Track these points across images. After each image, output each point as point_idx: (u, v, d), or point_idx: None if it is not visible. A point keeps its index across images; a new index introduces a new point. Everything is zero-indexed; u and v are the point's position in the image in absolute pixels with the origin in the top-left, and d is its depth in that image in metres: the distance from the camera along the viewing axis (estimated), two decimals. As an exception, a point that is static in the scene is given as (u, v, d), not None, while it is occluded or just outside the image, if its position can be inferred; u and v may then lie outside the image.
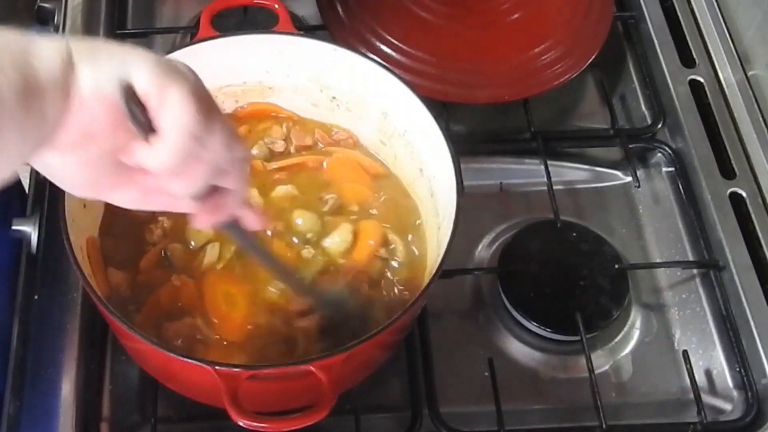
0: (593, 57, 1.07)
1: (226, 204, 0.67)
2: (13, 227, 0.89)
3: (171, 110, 0.59)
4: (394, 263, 0.88)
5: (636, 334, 0.94)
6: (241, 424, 0.69)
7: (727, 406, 0.90)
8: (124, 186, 0.64)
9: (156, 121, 0.59)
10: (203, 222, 0.68)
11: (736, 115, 1.06)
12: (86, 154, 0.60)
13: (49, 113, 0.56)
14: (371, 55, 0.94)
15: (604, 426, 0.85)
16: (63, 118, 0.57)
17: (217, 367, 0.71)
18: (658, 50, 1.11)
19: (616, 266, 0.95)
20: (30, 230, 0.89)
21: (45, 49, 0.56)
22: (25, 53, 0.55)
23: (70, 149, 0.59)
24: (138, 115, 0.58)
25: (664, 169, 1.06)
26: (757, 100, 1.07)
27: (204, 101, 0.60)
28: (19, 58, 0.55)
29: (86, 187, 0.63)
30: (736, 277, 0.93)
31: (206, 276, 0.85)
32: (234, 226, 0.71)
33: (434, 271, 0.77)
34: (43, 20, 1.10)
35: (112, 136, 0.59)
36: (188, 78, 0.60)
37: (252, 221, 0.71)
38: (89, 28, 1.08)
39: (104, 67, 0.58)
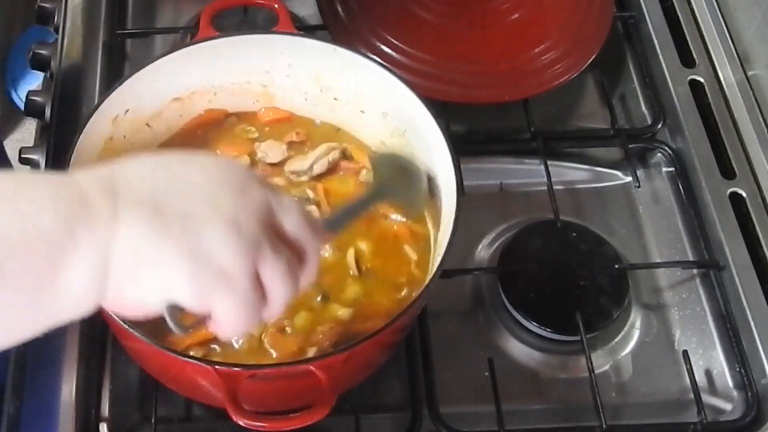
0: (593, 57, 1.07)
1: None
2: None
3: (221, 319, 0.59)
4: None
5: (636, 334, 0.94)
6: (241, 423, 0.69)
7: (727, 406, 0.90)
8: None
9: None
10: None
11: (736, 115, 1.06)
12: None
13: (64, 314, 0.57)
14: (371, 55, 0.94)
15: (604, 426, 0.85)
16: (90, 311, 0.58)
17: (217, 367, 0.71)
18: (658, 50, 1.11)
19: (616, 266, 0.95)
20: (30, 230, 0.89)
21: (78, 271, 0.54)
22: (56, 259, 0.53)
23: None
24: (186, 325, 0.60)
25: (664, 169, 1.06)
26: (757, 100, 1.07)
27: (250, 295, 0.59)
28: (46, 263, 0.53)
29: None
30: (736, 277, 0.93)
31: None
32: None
33: (434, 271, 0.77)
34: (43, 20, 1.10)
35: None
36: (232, 282, 0.58)
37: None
38: (89, 28, 1.08)
39: (147, 289, 0.57)
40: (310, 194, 0.90)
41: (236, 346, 0.81)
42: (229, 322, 0.59)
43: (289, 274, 0.61)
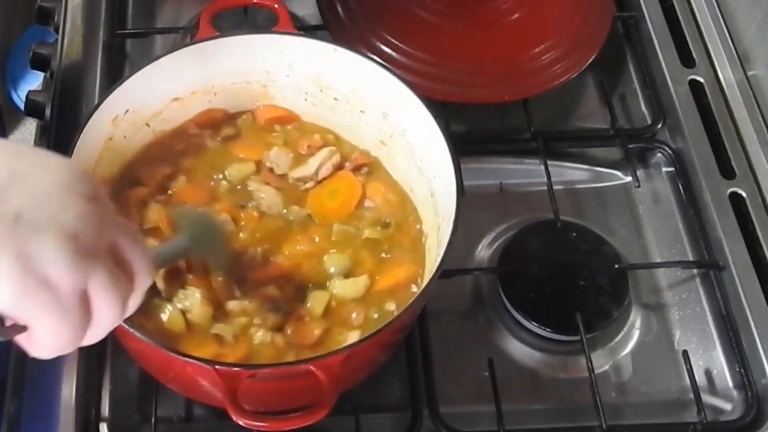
0: (593, 57, 1.07)
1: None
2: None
3: (41, 336, 0.56)
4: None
5: (636, 334, 0.94)
6: (241, 423, 0.69)
7: (727, 406, 0.90)
8: None
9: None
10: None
11: (736, 115, 1.06)
12: None
13: None
14: (371, 55, 0.94)
15: (604, 426, 0.85)
16: None
17: (217, 367, 0.71)
18: (658, 50, 1.11)
19: (616, 266, 0.95)
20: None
21: None
22: None
23: None
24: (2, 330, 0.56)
25: (664, 169, 1.06)
26: (757, 100, 1.07)
27: (75, 314, 0.55)
28: None
29: None
30: (736, 277, 0.93)
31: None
32: None
33: (434, 271, 0.77)
34: (43, 20, 1.10)
35: None
36: (57, 298, 0.54)
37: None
38: (89, 28, 1.08)
39: None
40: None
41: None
42: (47, 339, 0.56)
43: (120, 300, 0.58)
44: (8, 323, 0.56)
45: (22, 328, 0.56)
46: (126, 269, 0.59)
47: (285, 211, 0.89)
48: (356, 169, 0.93)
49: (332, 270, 0.85)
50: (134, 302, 0.62)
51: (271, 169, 0.92)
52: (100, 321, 0.58)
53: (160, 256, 0.76)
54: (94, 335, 0.59)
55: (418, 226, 0.90)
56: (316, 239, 0.87)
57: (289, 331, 0.81)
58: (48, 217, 0.54)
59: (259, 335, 0.80)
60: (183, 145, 0.93)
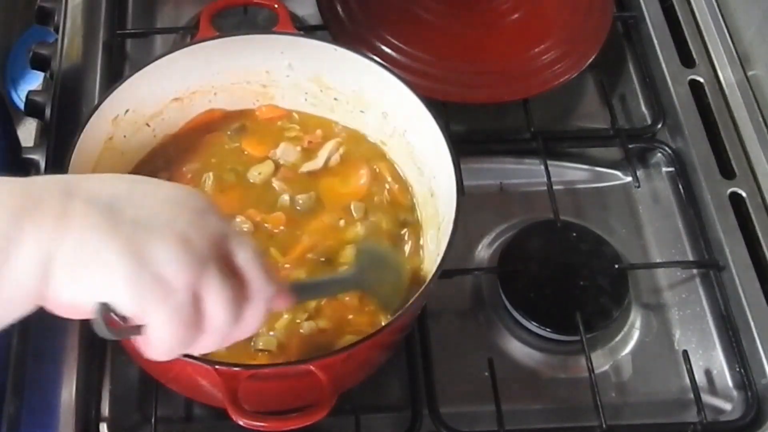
0: (593, 57, 1.07)
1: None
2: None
3: (153, 332, 0.58)
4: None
5: (636, 334, 0.94)
6: (241, 423, 0.69)
7: (727, 406, 0.90)
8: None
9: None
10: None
11: (736, 115, 1.06)
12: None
13: (13, 311, 0.57)
14: (371, 55, 0.94)
15: (604, 426, 0.85)
16: (33, 307, 0.57)
17: (217, 367, 0.71)
18: (658, 50, 1.11)
19: (616, 266, 0.95)
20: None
21: (23, 260, 0.54)
22: (2, 251, 0.54)
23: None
24: (116, 330, 0.58)
25: (664, 169, 1.06)
26: (757, 100, 1.07)
27: (187, 311, 0.57)
28: None
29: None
30: (736, 277, 0.93)
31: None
32: None
33: (434, 271, 0.77)
34: (43, 20, 1.10)
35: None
36: (171, 294, 0.57)
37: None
38: (89, 28, 1.08)
39: (85, 285, 0.56)
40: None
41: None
42: (161, 336, 0.58)
43: (232, 304, 0.59)
44: (125, 323, 0.58)
45: (138, 329, 0.58)
46: (242, 279, 0.61)
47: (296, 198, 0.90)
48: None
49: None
50: (252, 313, 0.62)
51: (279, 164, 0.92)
52: (212, 324, 0.59)
53: (298, 286, 0.76)
54: (208, 341, 0.60)
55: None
56: (341, 222, 0.88)
57: (328, 312, 0.82)
58: (162, 224, 0.57)
59: (307, 325, 0.81)
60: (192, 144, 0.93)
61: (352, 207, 0.89)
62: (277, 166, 0.92)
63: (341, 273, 0.84)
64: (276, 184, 0.91)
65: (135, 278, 0.55)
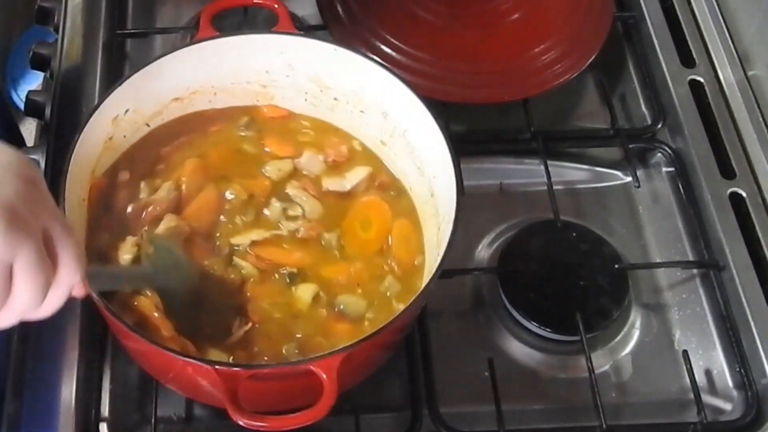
0: (593, 57, 1.07)
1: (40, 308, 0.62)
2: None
3: None
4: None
5: (636, 334, 0.94)
6: (241, 423, 0.69)
7: (727, 406, 0.90)
8: None
9: None
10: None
11: (736, 115, 1.06)
12: None
13: None
14: (371, 55, 0.94)
15: (604, 426, 0.85)
16: None
17: (217, 367, 0.71)
18: (658, 50, 1.11)
19: (616, 266, 0.95)
20: (30, 230, 0.89)
21: None
22: None
23: None
24: None
25: (664, 169, 1.06)
26: (757, 100, 1.07)
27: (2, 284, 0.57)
28: None
29: None
30: (736, 277, 0.93)
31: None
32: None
33: (434, 271, 0.77)
34: (43, 20, 1.10)
35: None
36: None
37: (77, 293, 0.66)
38: (89, 28, 1.08)
39: None
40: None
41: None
42: None
43: (41, 287, 0.58)
44: None
45: None
46: (53, 258, 0.60)
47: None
48: (382, 189, 0.92)
49: (341, 307, 0.85)
50: (53, 298, 0.61)
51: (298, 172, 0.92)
52: (15, 302, 0.58)
53: (105, 273, 0.77)
54: (4, 318, 0.59)
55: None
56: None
57: None
58: None
59: None
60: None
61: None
62: (297, 173, 0.92)
63: (139, 267, 0.82)
64: (292, 191, 0.90)
65: None
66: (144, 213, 0.86)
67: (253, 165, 0.92)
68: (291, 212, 0.89)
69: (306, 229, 0.88)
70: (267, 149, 0.93)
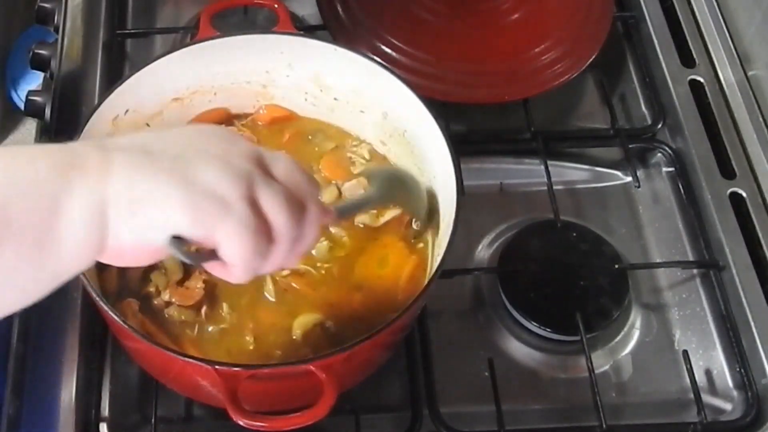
0: (593, 57, 1.07)
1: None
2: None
3: (226, 249, 0.59)
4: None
5: (636, 334, 0.94)
6: (241, 423, 0.69)
7: (727, 406, 0.90)
8: None
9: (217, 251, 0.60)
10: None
11: (736, 115, 1.06)
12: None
13: (70, 263, 0.57)
14: (371, 55, 0.94)
15: (604, 426, 0.85)
16: (94, 258, 0.58)
17: (217, 367, 0.71)
18: (658, 50, 1.11)
19: (616, 266, 0.95)
20: (30, 230, 0.89)
21: (77, 211, 0.55)
22: (53, 203, 0.54)
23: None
24: (192, 254, 0.59)
25: (664, 169, 1.06)
26: (757, 100, 1.07)
27: (251, 219, 0.59)
28: (45, 209, 0.54)
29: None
30: (736, 277, 0.93)
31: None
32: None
33: (434, 271, 0.77)
34: (43, 20, 1.10)
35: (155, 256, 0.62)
36: (230, 207, 0.58)
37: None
38: (89, 28, 1.08)
39: (144, 222, 0.57)
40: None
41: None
42: (234, 251, 0.59)
43: (289, 204, 0.60)
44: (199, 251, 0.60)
45: (212, 254, 0.59)
46: (287, 187, 0.62)
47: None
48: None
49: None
50: (310, 215, 0.63)
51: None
52: (277, 228, 0.60)
53: (344, 207, 0.81)
54: (280, 251, 0.61)
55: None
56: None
57: None
58: (198, 152, 0.59)
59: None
60: None
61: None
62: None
63: (364, 194, 0.86)
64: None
65: (191, 203, 0.57)
66: None
67: None
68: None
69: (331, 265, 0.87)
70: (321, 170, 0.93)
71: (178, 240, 0.58)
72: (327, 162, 0.93)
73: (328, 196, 0.90)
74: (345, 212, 0.80)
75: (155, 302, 0.83)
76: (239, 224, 0.58)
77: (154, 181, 0.57)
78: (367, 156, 0.94)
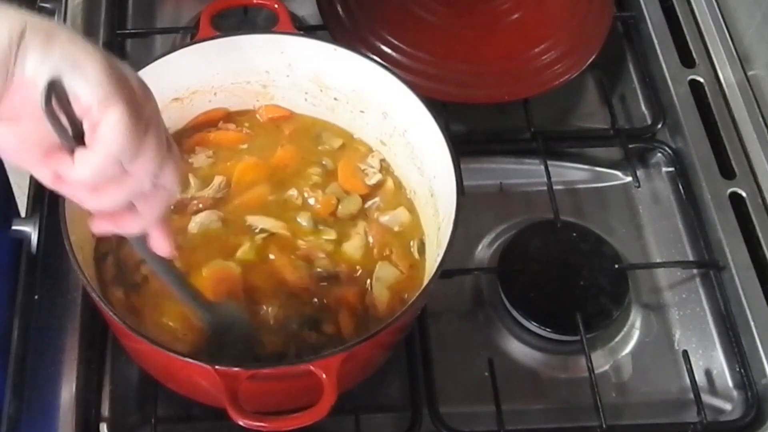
0: (593, 57, 1.07)
1: (135, 220, 0.65)
2: (13, 227, 0.89)
3: (104, 131, 0.57)
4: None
5: (636, 334, 0.94)
6: (241, 423, 0.69)
7: (727, 406, 0.90)
8: (43, 167, 0.61)
9: (87, 136, 0.58)
10: (102, 228, 0.65)
11: (736, 115, 1.06)
12: (18, 129, 0.59)
13: None
14: (371, 55, 0.95)
15: (604, 426, 0.85)
16: (3, 93, 0.56)
17: (217, 367, 0.71)
18: (658, 50, 1.11)
19: (616, 266, 0.95)
20: (30, 230, 0.89)
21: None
22: None
23: (6, 120, 0.58)
24: (63, 123, 0.57)
25: (664, 169, 1.06)
26: (757, 100, 1.07)
27: (141, 124, 0.58)
28: None
29: (11, 155, 0.61)
30: (736, 277, 0.93)
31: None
32: (140, 240, 0.68)
33: (434, 270, 0.77)
34: (43, 20, 1.10)
35: (37, 128, 0.58)
36: (133, 95, 0.58)
37: (158, 244, 0.68)
38: (89, 28, 1.08)
39: (52, 60, 0.55)
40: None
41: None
42: (112, 135, 0.57)
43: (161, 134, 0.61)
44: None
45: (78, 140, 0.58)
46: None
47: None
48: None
49: None
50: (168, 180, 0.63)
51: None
52: (151, 130, 0.60)
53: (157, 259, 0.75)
54: (146, 160, 0.60)
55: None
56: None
57: None
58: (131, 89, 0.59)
59: None
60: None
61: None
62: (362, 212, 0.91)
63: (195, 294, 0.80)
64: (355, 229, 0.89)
65: (110, 70, 0.57)
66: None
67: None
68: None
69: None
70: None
71: (59, 85, 0.55)
72: (343, 175, 0.93)
73: (353, 206, 0.90)
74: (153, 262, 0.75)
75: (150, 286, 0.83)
76: (130, 116, 0.57)
77: (86, 44, 0.57)
78: (377, 166, 0.94)
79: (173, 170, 0.63)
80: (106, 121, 0.57)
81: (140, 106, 0.59)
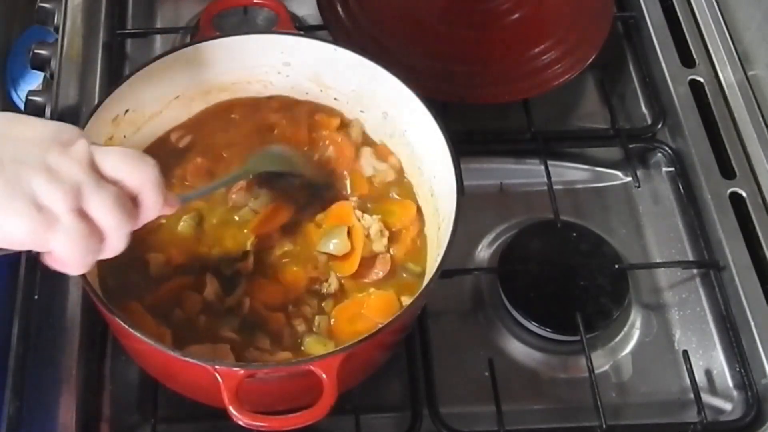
0: (593, 57, 1.07)
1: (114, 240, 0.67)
2: (13, 227, 0.89)
3: (58, 255, 0.64)
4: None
5: (636, 334, 0.94)
6: (241, 423, 0.69)
7: (727, 406, 0.90)
8: None
9: None
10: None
11: (736, 115, 1.06)
12: None
13: None
14: (371, 55, 0.94)
15: (604, 426, 0.85)
16: None
17: (217, 367, 0.71)
18: (658, 50, 1.11)
19: (616, 266, 0.95)
20: (30, 230, 0.89)
21: None
22: None
23: None
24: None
25: (664, 169, 1.06)
26: (757, 100, 1.07)
27: (79, 229, 0.63)
28: None
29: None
30: (736, 277, 0.93)
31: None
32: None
33: (434, 270, 0.77)
34: (43, 20, 1.10)
35: None
36: (59, 221, 0.62)
37: (166, 209, 0.71)
38: (89, 28, 1.08)
39: None
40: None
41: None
42: (66, 255, 0.64)
43: (117, 206, 0.64)
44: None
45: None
46: (118, 181, 0.66)
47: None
48: None
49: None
50: (149, 203, 0.67)
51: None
52: (107, 229, 0.65)
53: (190, 195, 0.81)
54: (112, 243, 0.65)
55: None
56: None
57: None
58: (35, 161, 0.63)
59: None
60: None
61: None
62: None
63: (218, 180, 0.87)
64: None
65: (31, 214, 0.61)
66: None
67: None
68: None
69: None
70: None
71: None
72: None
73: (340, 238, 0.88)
74: (190, 197, 0.81)
75: None
76: (67, 235, 0.62)
77: None
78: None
79: (151, 211, 0.68)
80: (56, 253, 0.64)
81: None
